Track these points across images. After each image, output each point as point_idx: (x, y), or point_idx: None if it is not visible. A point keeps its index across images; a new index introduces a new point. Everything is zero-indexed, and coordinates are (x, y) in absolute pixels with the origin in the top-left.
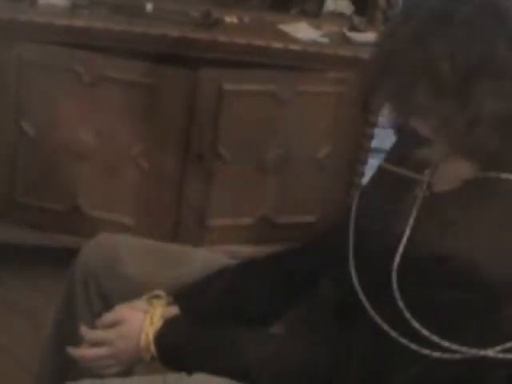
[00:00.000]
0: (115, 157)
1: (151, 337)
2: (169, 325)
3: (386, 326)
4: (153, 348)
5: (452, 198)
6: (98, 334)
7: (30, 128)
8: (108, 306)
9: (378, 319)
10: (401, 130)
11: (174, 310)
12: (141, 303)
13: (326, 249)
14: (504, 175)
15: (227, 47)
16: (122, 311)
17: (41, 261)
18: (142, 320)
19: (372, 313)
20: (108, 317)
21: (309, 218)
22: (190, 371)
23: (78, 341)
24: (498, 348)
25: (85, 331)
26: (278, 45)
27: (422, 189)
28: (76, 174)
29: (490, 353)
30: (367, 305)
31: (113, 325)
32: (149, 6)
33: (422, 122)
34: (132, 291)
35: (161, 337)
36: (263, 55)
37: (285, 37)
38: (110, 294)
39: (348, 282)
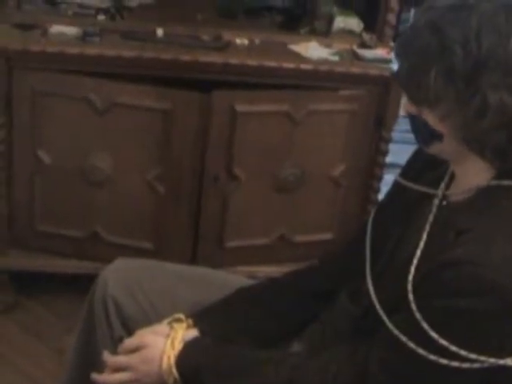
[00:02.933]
0: (131, 182)
1: (173, 360)
2: (189, 347)
3: (403, 338)
4: (175, 371)
5: (465, 207)
6: (121, 360)
7: (46, 156)
8: (129, 330)
9: (395, 332)
10: (416, 125)
11: (195, 333)
12: (162, 327)
13: (342, 265)
14: None
15: (239, 69)
16: (144, 336)
17: (60, 287)
18: (164, 344)
19: (390, 326)
20: (130, 342)
21: (326, 235)
22: None
23: (99, 365)
24: None
25: (107, 357)
26: (289, 65)
27: (436, 202)
28: (93, 201)
29: (510, 361)
30: (385, 318)
31: (135, 350)
32: (159, 32)
33: (431, 112)
34: (152, 315)
35: (182, 359)
36: (275, 76)
37: (295, 57)
38: (131, 318)
39: (365, 297)
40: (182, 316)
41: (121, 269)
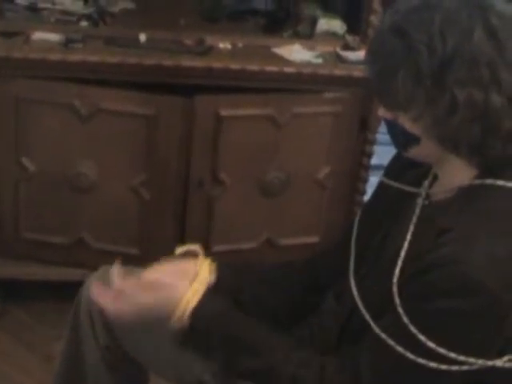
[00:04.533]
0: (116, 188)
1: (190, 307)
2: (209, 303)
3: (391, 342)
4: (187, 320)
5: (448, 206)
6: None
7: (30, 164)
8: (114, 338)
9: (382, 335)
10: (393, 130)
11: (215, 281)
12: (186, 264)
13: (330, 266)
14: (500, 182)
15: (222, 73)
16: (165, 274)
17: (48, 294)
18: (186, 286)
19: (376, 330)
20: (148, 276)
21: (312, 238)
22: (211, 354)
23: (85, 372)
24: (506, 358)
25: (115, 275)
26: (272, 68)
27: (419, 201)
28: (78, 207)
29: (498, 363)
30: (371, 322)
31: (149, 286)
32: (142, 37)
33: (405, 115)
34: (136, 322)
35: (198, 312)
36: (258, 79)
37: (279, 60)
38: (115, 326)
39: (350, 299)
40: (199, 250)
41: (103, 277)
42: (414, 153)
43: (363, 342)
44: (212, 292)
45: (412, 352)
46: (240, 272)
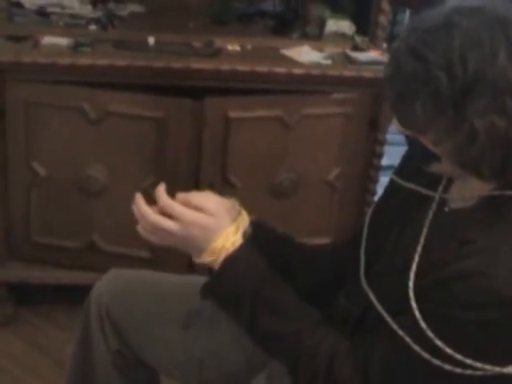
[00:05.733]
0: (126, 191)
1: (228, 245)
2: (246, 248)
3: (408, 340)
4: (221, 259)
5: (468, 216)
6: (176, 208)
7: (40, 168)
8: (124, 342)
9: (400, 332)
10: (413, 146)
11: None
12: (228, 203)
13: (339, 264)
14: None
15: (231, 75)
16: (211, 202)
17: (60, 298)
18: (228, 222)
19: (394, 326)
20: (195, 198)
21: (323, 239)
22: (233, 306)
23: (95, 376)
24: None
25: (162, 194)
26: (281, 70)
27: (434, 206)
28: (89, 211)
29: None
30: (388, 319)
31: (191, 207)
32: (151, 40)
33: (425, 138)
34: (147, 326)
35: (235, 252)
36: (267, 81)
37: (287, 61)
38: (126, 330)
39: (362, 297)
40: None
41: (114, 280)
42: (435, 169)
43: (377, 338)
44: (251, 242)
45: (427, 352)
46: (276, 239)
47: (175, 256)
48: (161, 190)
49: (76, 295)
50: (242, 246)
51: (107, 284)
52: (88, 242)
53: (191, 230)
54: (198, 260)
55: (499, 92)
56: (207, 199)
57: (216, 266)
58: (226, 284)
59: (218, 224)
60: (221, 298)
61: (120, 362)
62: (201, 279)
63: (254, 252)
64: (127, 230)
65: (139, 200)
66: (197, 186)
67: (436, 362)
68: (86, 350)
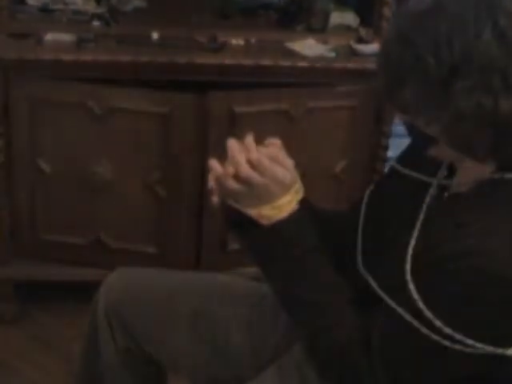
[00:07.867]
0: (132, 187)
1: (293, 204)
2: (302, 214)
3: (408, 317)
4: (278, 217)
5: (466, 200)
6: (255, 155)
7: (46, 165)
8: (132, 340)
9: (399, 310)
10: (412, 131)
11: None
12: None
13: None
14: None
15: (235, 69)
16: (283, 156)
17: (67, 295)
18: (296, 183)
19: (393, 304)
20: (268, 149)
21: None
22: (269, 265)
23: (103, 374)
24: None
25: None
26: (285, 63)
27: (432, 191)
28: (95, 207)
29: (509, 352)
30: (387, 299)
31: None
32: (154, 35)
33: (418, 120)
34: (155, 324)
35: (290, 216)
36: (271, 75)
37: (292, 54)
38: (133, 328)
39: (360, 276)
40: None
41: (122, 278)
42: (434, 153)
43: (376, 316)
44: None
45: (426, 328)
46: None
47: (181, 251)
48: (250, 142)
49: (83, 292)
50: (299, 210)
51: (115, 282)
52: (94, 238)
53: (267, 181)
54: (251, 211)
55: (485, 71)
56: (285, 155)
57: (269, 221)
58: (271, 243)
59: (291, 180)
60: (265, 251)
61: (128, 358)
62: (209, 275)
63: (308, 222)
64: (133, 226)
65: (233, 146)
66: (202, 180)
67: (434, 337)
68: (94, 348)
